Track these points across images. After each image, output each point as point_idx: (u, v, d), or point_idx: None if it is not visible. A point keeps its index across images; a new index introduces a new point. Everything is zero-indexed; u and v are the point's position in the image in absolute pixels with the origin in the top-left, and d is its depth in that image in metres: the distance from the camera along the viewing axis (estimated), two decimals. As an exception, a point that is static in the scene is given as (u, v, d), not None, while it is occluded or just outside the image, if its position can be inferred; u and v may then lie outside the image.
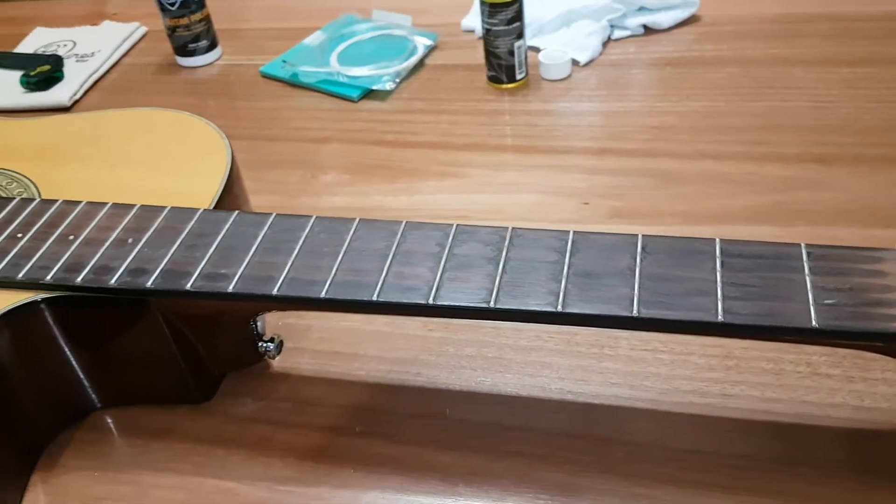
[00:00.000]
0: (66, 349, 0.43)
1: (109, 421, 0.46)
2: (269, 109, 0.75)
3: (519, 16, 0.68)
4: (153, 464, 0.44)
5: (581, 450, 0.42)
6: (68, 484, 0.43)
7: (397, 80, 0.75)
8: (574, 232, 0.40)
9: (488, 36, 0.69)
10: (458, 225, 0.42)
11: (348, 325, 0.51)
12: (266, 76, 0.79)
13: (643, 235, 0.39)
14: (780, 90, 0.68)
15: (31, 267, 0.42)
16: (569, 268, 0.38)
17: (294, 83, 0.77)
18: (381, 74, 0.75)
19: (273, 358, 0.49)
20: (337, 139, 0.70)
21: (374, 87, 0.74)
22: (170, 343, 0.44)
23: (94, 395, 0.46)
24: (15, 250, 0.44)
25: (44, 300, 0.41)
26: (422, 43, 0.78)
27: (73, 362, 0.44)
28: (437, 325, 0.50)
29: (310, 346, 0.51)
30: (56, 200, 0.47)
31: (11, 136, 0.56)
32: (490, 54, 0.70)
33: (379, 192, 0.63)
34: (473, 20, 0.82)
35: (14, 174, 0.51)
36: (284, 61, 0.79)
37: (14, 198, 0.48)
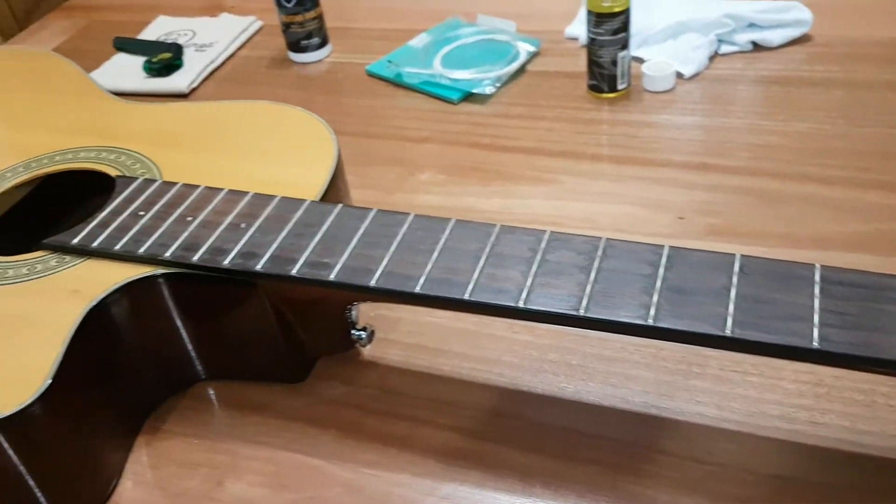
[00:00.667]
0: (178, 321, 0.46)
1: (211, 392, 0.50)
2: (372, 107, 0.77)
3: (625, 26, 0.68)
4: (248, 436, 0.47)
5: (661, 464, 0.42)
6: (170, 448, 0.47)
7: (498, 85, 0.76)
8: (669, 247, 0.40)
9: (592, 45, 0.69)
10: (551, 231, 0.43)
11: (436, 320, 0.53)
12: (371, 75, 0.82)
13: (741, 255, 0.39)
14: (889, 116, 0.65)
15: (152, 244, 0.46)
16: (662, 282, 0.39)
17: (398, 83, 0.80)
18: (482, 78, 0.76)
19: (364, 346, 0.51)
20: (435, 140, 0.72)
21: (475, 91, 0.75)
22: (272, 324, 0.46)
23: (199, 367, 0.49)
24: (137, 227, 0.47)
25: (162, 275, 0.45)
26: (524, 49, 0.79)
27: (183, 334, 0.47)
28: (522, 328, 0.51)
29: (399, 338, 0.52)
30: (176, 183, 0.50)
31: (136, 120, 0.60)
32: (593, 63, 0.71)
33: (472, 194, 0.64)
34: (577, 28, 0.82)
35: (138, 155, 0.55)
36: (390, 61, 0.82)
37: (137, 178, 0.52)
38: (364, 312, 0.52)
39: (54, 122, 0.61)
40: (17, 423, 0.39)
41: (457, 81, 0.77)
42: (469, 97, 0.76)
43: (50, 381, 0.39)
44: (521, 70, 0.78)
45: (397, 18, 0.92)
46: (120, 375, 0.46)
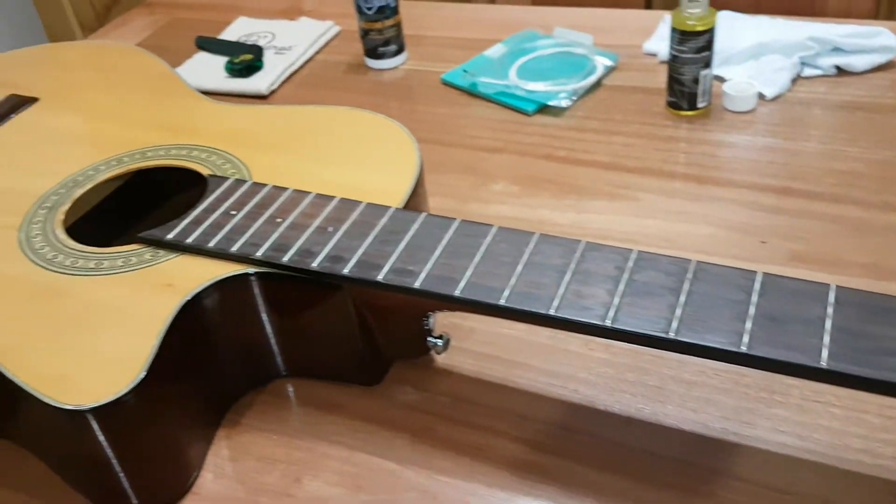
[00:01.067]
0: (265, 319, 0.48)
1: (290, 389, 0.51)
2: (446, 116, 0.78)
3: (709, 45, 0.67)
4: (325, 435, 0.48)
5: (740, 491, 0.42)
6: (249, 443, 0.48)
7: (574, 98, 0.76)
8: (763, 273, 0.40)
9: (674, 62, 0.69)
10: (638, 251, 0.43)
11: (510, 332, 0.53)
12: (447, 84, 0.82)
13: (837, 287, 0.39)
14: (983, 146, 0.64)
15: (244, 243, 0.47)
16: (755, 309, 0.38)
17: (473, 92, 0.80)
18: (558, 91, 0.76)
19: (439, 353, 0.52)
20: (509, 150, 0.72)
21: (550, 103, 0.76)
22: (354, 326, 0.47)
23: (280, 364, 0.50)
24: (229, 225, 0.48)
25: (254, 274, 0.46)
26: (602, 63, 0.79)
27: (268, 331, 0.48)
28: (598, 345, 0.51)
29: (472, 347, 0.53)
30: (266, 185, 0.52)
31: (224, 120, 0.61)
32: (673, 80, 0.70)
33: (546, 207, 0.65)
34: (656, 44, 0.81)
35: (227, 155, 0.57)
36: (465, 71, 0.82)
37: (229, 178, 0.53)
38: (437, 320, 0.53)
39: (145, 117, 0.63)
40: (110, 412, 0.40)
41: (532, 93, 0.77)
42: (544, 109, 0.76)
43: (145, 373, 0.41)
44: (598, 84, 0.78)
45: (472, 28, 0.93)
46: (206, 369, 0.47)
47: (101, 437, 0.41)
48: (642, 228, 0.61)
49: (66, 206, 0.53)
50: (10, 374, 0.41)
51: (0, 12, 1.53)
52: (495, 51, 0.85)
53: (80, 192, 0.55)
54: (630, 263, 0.42)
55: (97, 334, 0.43)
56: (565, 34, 0.85)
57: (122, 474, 0.43)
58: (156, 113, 0.64)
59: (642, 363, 0.49)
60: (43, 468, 0.47)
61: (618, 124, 0.73)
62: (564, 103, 0.75)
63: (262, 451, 0.47)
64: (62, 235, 0.51)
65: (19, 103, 0.67)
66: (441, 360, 0.52)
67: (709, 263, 0.41)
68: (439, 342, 0.50)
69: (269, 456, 0.47)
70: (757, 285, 0.39)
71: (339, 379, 0.50)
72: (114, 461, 0.42)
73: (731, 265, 0.41)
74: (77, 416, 0.40)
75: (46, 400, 0.40)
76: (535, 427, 0.47)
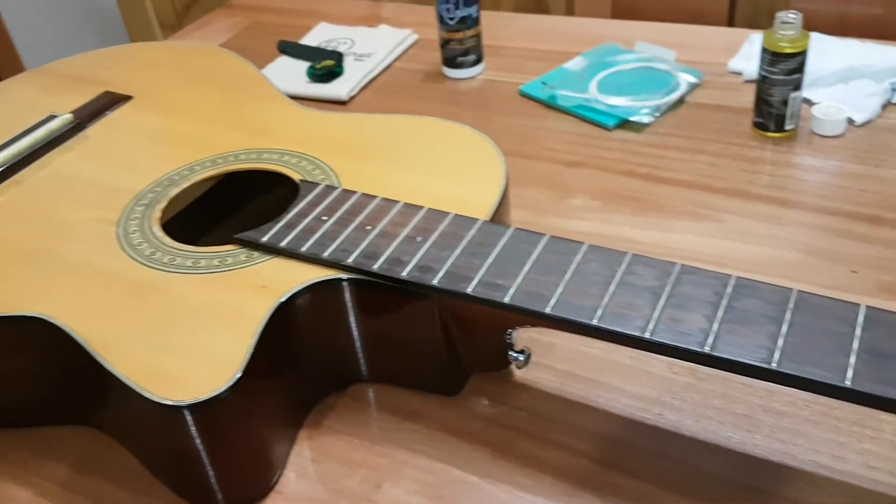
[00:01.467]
0: (352, 323, 0.48)
1: (371, 394, 0.51)
2: (524, 127, 0.78)
3: (800, 67, 0.66)
4: (404, 442, 0.48)
5: (830, 528, 0.41)
6: (330, 445, 0.49)
7: (656, 115, 0.75)
8: (867, 307, 0.39)
9: (763, 83, 0.68)
10: (737, 277, 0.42)
11: (590, 350, 0.53)
12: (525, 95, 0.82)
13: (947, 324, 0.37)
14: None
15: (335, 249, 0.48)
16: (859, 343, 0.37)
17: (551, 105, 0.80)
18: (640, 106, 0.76)
19: (520, 368, 0.52)
20: (588, 165, 0.72)
21: (631, 119, 0.75)
22: (438, 336, 0.47)
23: (363, 368, 0.51)
24: (321, 231, 0.49)
25: (345, 280, 0.46)
26: (685, 79, 0.78)
27: (355, 335, 0.49)
28: (683, 368, 0.51)
29: (552, 363, 0.53)
30: (355, 192, 0.52)
31: (311, 125, 0.63)
32: (761, 101, 0.69)
33: (627, 224, 0.64)
34: (741, 63, 0.80)
35: (317, 161, 0.58)
36: (544, 83, 0.82)
37: (319, 183, 0.54)
38: (518, 334, 0.53)
39: (235, 119, 0.65)
40: (206, 409, 0.41)
41: (613, 108, 0.76)
42: (624, 124, 0.76)
43: (241, 372, 0.42)
44: (681, 101, 0.77)
45: (551, 40, 0.92)
46: (294, 370, 0.48)
47: (195, 433, 0.42)
48: (728, 251, 0.60)
49: (163, 204, 0.55)
50: (110, 367, 0.43)
51: (83, 11, 1.58)
52: (575, 63, 0.85)
53: (175, 190, 0.56)
54: (729, 290, 0.41)
55: (195, 332, 0.45)
56: (647, 49, 0.84)
57: (210, 470, 0.44)
58: (245, 115, 0.65)
59: (730, 390, 0.49)
60: (131, 460, 0.48)
61: (701, 143, 0.72)
62: (646, 119, 0.75)
63: (343, 454, 0.48)
64: (159, 233, 0.52)
65: (114, 101, 0.70)
66: (520, 374, 0.52)
67: (810, 294, 0.40)
68: (521, 357, 0.50)
69: (349, 459, 0.48)
70: (861, 318, 0.39)
71: (419, 387, 0.51)
72: (204, 456, 0.43)
73: (824, 294, 0.40)
74: (174, 411, 0.41)
75: (145, 394, 0.41)
76: (619, 450, 0.47)
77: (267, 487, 0.46)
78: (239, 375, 0.41)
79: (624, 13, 1.05)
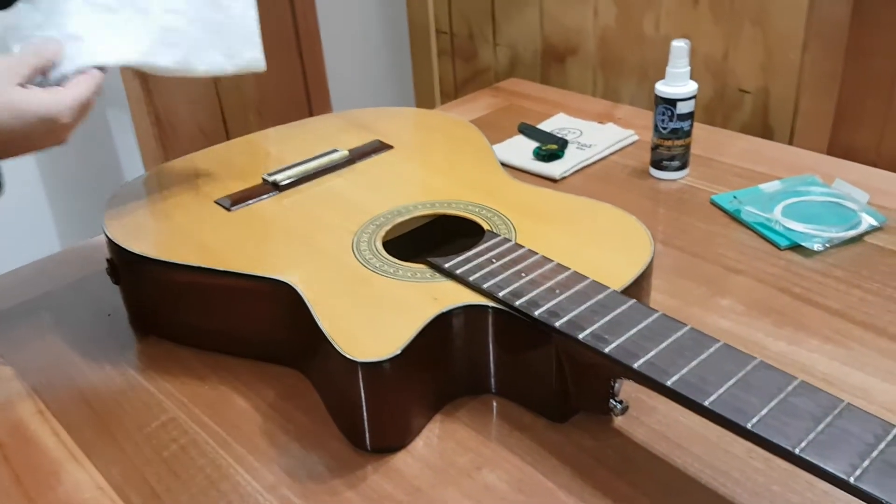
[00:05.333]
0: (490, 343, 0.63)
1: (495, 404, 0.65)
2: (703, 230, 0.88)
3: (971, 227, 0.69)
4: (510, 445, 0.61)
5: None
6: (454, 430, 0.63)
7: (827, 245, 0.81)
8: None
9: (931, 235, 0.72)
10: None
11: (684, 420, 0.62)
12: (714, 204, 0.92)
13: None
14: None
15: (493, 283, 0.63)
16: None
17: (735, 218, 0.89)
18: (815, 235, 0.82)
19: (616, 416, 0.62)
20: (749, 274, 0.80)
21: (804, 244, 0.82)
22: (552, 370, 0.60)
23: (492, 381, 0.65)
24: (488, 269, 0.65)
25: (492, 307, 0.61)
26: (867, 220, 0.83)
27: (490, 353, 0.63)
28: (759, 454, 0.58)
29: (648, 421, 0.62)
30: (523, 246, 0.68)
31: (512, 192, 0.79)
32: (927, 252, 0.73)
33: (762, 330, 0.71)
34: (932, 215, 0.83)
35: (505, 218, 0.74)
36: (735, 197, 0.91)
37: (500, 235, 0.70)
38: (626, 390, 0.64)
39: (458, 175, 0.83)
40: (372, 369, 0.58)
41: (790, 230, 0.84)
42: (796, 247, 0.82)
43: (399, 351, 0.58)
44: (858, 238, 0.82)
45: (761, 162, 1.01)
46: (439, 365, 0.63)
47: (361, 385, 0.59)
48: (845, 375, 0.65)
49: (388, 227, 0.74)
50: (321, 326, 0.61)
51: (385, 70, 1.92)
52: (770, 186, 0.93)
53: (400, 219, 0.76)
54: (890, 437, 0.46)
55: (381, 316, 0.62)
56: (843, 187, 0.90)
57: (365, 415, 0.60)
58: (466, 175, 0.83)
59: (791, 482, 0.55)
60: (317, 397, 0.67)
61: (862, 279, 0.77)
62: (817, 247, 0.81)
63: (462, 439, 0.62)
64: (380, 247, 0.71)
65: (380, 147, 0.92)
66: (618, 421, 0.63)
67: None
68: (618, 406, 0.61)
69: (465, 445, 0.62)
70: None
71: (533, 408, 0.64)
72: (363, 405, 0.60)
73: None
74: (352, 364, 0.58)
75: (338, 349, 0.59)
76: (674, 499, 0.56)
77: (401, 445, 0.62)
78: (397, 353, 0.58)
79: (839, 150, 1.09)
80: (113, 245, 0.74)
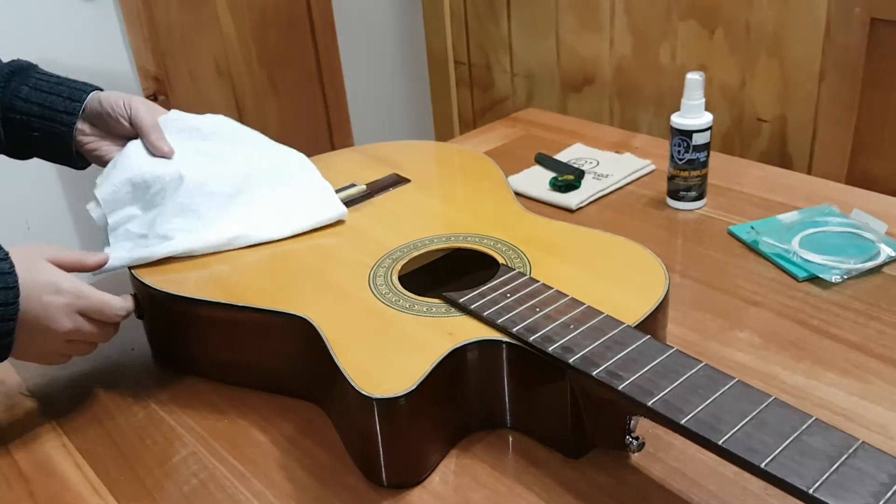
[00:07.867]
0: (504, 378, 0.63)
1: (511, 438, 0.65)
2: (720, 262, 0.87)
3: None
4: (525, 481, 0.61)
5: None
6: (470, 466, 0.63)
7: (845, 277, 0.81)
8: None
9: (950, 268, 0.71)
10: None
11: (701, 457, 0.62)
12: (731, 234, 0.92)
13: None
14: None
15: (507, 318, 0.63)
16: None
17: (752, 248, 0.89)
18: (833, 266, 0.82)
19: (633, 452, 0.62)
20: (767, 306, 0.79)
21: (821, 275, 0.81)
22: (567, 406, 0.61)
23: (507, 416, 0.65)
24: (502, 304, 0.65)
25: (506, 343, 0.62)
26: (886, 251, 0.83)
27: (505, 388, 0.64)
28: (776, 493, 0.57)
29: (664, 458, 0.62)
30: (538, 281, 0.68)
31: (527, 225, 0.80)
32: (946, 284, 0.72)
33: (779, 364, 0.71)
34: (953, 245, 0.82)
35: (520, 252, 0.74)
36: (752, 227, 0.91)
37: (515, 269, 0.71)
38: (643, 426, 0.63)
39: (474, 209, 0.84)
40: (387, 405, 0.58)
41: (808, 262, 0.83)
42: (813, 279, 0.82)
43: (415, 386, 0.59)
44: (876, 270, 0.82)
45: (778, 191, 1.01)
46: (455, 399, 0.64)
47: (377, 420, 0.59)
48: (863, 409, 0.65)
49: (404, 261, 0.75)
50: (337, 362, 0.62)
51: (404, 102, 1.94)
52: (788, 216, 0.93)
53: (416, 253, 0.77)
54: None
55: (397, 352, 0.63)
56: (861, 217, 0.89)
57: (381, 450, 0.61)
58: (482, 208, 0.84)
59: (806, 520, 0.55)
60: (335, 433, 0.67)
61: (881, 311, 0.76)
62: (835, 279, 0.80)
63: (477, 475, 0.62)
64: (395, 281, 0.72)
65: (398, 181, 0.93)
66: (635, 458, 0.63)
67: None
68: (634, 443, 0.61)
69: (480, 480, 0.62)
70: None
71: (549, 443, 0.64)
72: (379, 440, 0.60)
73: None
74: (367, 400, 0.59)
75: (354, 385, 0.60)
76: (692, 537, 0.56)
77: (417, 480, 0.62)
78: (412, 388, 0.58)
79: (858, 179, 1.09)
80: (136, 281, 0.76)
